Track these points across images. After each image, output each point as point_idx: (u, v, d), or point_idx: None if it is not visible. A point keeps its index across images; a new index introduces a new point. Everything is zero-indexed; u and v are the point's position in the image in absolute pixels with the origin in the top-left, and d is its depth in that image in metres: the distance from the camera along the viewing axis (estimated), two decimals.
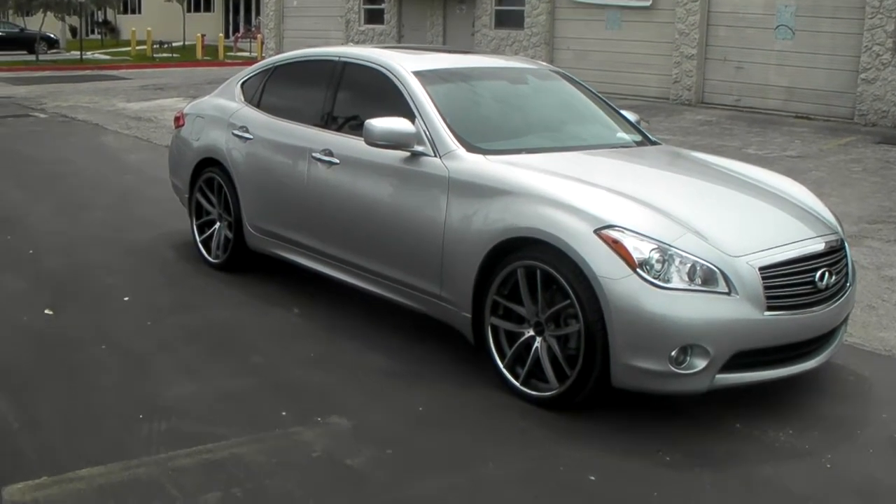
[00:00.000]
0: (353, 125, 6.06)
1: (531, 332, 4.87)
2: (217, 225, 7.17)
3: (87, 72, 28.77)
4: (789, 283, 4.66)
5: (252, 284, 6.80)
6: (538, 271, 4.74)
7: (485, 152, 5.38)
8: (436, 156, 5.39)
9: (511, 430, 4.61)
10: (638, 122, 6.63)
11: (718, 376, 4.51)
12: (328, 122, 6.28)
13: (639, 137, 6.38)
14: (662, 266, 4.44)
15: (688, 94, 18.75)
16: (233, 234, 6.93)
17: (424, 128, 5.50)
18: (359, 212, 5.79)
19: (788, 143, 14.09)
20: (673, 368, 4.42)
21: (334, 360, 5.44)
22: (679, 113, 17.63)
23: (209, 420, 4.60)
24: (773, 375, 4.69)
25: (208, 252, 7.23)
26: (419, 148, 5.45)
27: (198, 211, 7.35)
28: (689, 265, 4.46)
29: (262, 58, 27.90)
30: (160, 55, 36.38)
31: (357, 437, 4.47)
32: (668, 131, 14.61)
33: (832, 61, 16.61)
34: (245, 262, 7.01)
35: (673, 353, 4.39)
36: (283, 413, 4.70)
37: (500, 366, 4.99)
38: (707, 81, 18.73)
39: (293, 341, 5.73)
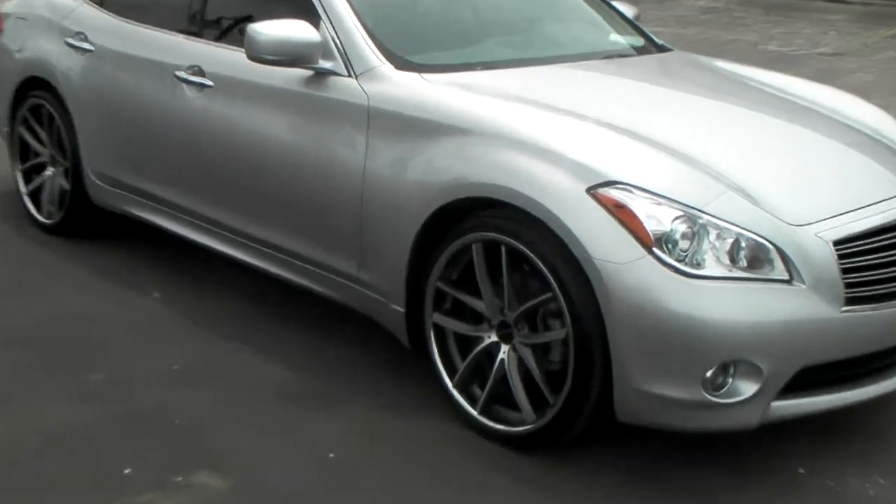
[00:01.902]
0: (232, 32, 5.37)
1: (493, 338, 4.14)
2: (49, 171, 6.43)
3: None
4: (876, 262, 3.88)
5: (98, 256, 6.09)
6: (503, 248, 3.98)
7: (422, 69, 4.64)
8: (350, 75, 4.65)
9: (466, 485, 3.87)
10: (637, 18, 5.97)
11: (775, 404, 3.74)
12: (198, 27, 5.56)
13: (640, 41, 5.71)
14: (691, 243, 3.66)
15: None
16: (70, 183, 6.22)
17: (333, 34, 4.74)
18: (239, 156, 5.07)
19: (820, 36, 13.53)
20: (708, 396, 3.64)
21: (207, 373, 4.71)
22: None
23: (18, 490, 3.75)
24: (851, 399, 3.93)
25: (38, 209, 6.53)
26: (326, 64, 4.70)
27: (23, 151, 6.61)
28: (730, 240, 3.69)
29: None
30: None
31: None
32: (660, 22, 13.88)
33: None
34: (88, 222, 6.35)
35: (708, 374, 3.62)
36: (127, 470, 3.87)
37: (449, 385, 4.26)
38: None
39: (151, 342, 5.02)
